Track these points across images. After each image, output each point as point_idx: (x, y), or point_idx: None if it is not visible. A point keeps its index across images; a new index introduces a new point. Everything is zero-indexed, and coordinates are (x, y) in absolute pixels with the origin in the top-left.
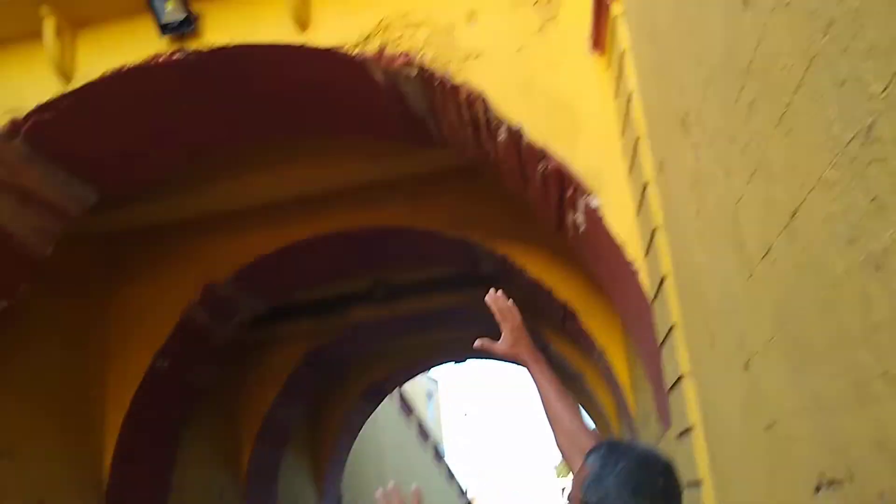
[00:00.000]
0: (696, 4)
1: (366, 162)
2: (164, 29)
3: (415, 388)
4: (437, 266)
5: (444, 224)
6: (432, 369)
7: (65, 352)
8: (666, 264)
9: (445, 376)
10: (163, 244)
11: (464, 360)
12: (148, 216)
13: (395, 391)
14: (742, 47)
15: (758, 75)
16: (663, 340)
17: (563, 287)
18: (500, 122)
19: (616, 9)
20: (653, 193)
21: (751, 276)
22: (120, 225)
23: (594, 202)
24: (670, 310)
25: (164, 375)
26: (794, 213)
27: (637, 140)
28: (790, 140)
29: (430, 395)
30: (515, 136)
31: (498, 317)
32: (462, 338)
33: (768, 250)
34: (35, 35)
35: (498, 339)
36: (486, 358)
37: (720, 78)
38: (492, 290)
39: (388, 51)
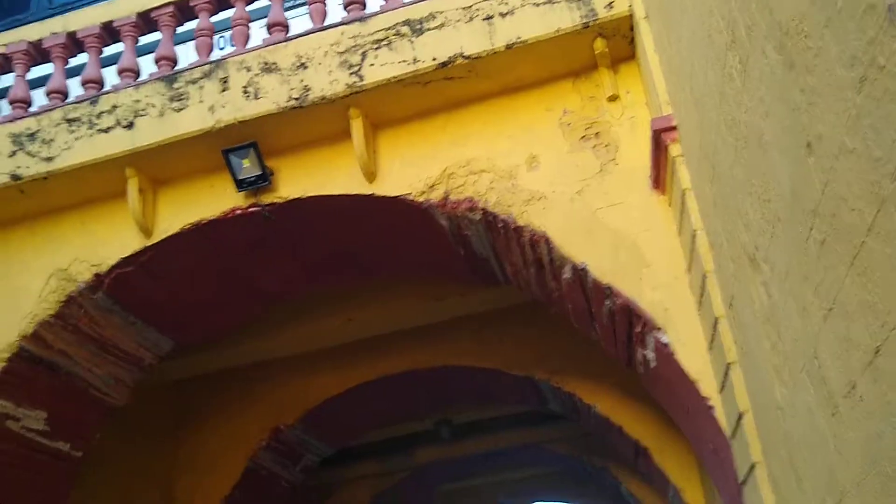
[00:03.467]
0: (758, 147)
1: (430, 302)
2: (241, 185)
3: None
4: (503, 404)
5: (510, 362)
6: None
7: (132, 501)
8: (743, 400)
9: None
10: (230, 389)
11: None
12: (215, 362)
13: None
14: (808, 189)
15: (826, 217)
16: (745, 479)
17: (635, 424)
18: (564, 262)
19: (674, 150)
20: (724, 329)
21: (835, 412)
22: (187, 371)
23: (664, 338)
24: (750, 447)
25: None
26: (877, 352)
27: (705, 276)
28: (865, 280)
29: None
30: (580, 275)
31: None
32: (530, 477)
33: (853, 387)
34: (119, 194)
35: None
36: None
37: (787, 217)
38: None
39: (452, 197)
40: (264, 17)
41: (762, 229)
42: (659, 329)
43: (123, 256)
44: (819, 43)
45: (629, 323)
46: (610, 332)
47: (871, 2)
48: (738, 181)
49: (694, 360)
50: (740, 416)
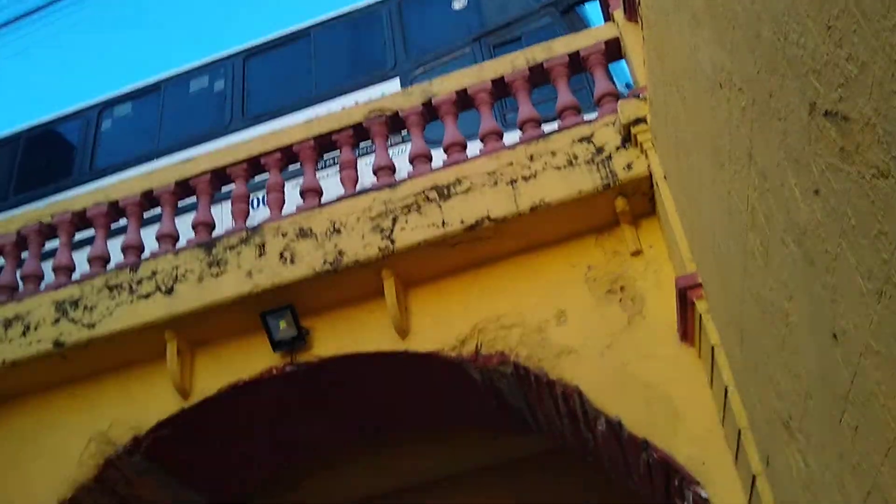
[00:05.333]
0: (784, 325)
1: (463, 449)
2: (278, 346)
3: None
4: None
5: None
6: None
7: None
8: None
9: None
10: None
11: None
12: None
13: None
14: (837, 376)
15: (858, 405)
16: None
17: None
18: (597, 415)
19: (701, 306)
20: (764, 487)
21: None
22: None
23: (703, 493)
24: None
25: None
26: None
27: (740, 432)
28: None
29: None
30: (615, 428)
31: None
32: None
33: None
34: (158, 356)
35: None
36: None
37: (819, 395)
38: None
39: (484, 351)
40: (298, 175)
41: (794, 401)
42: (697, 483)
43: (161, 419)
44: (837, 249)
45: (667, 476)
46: (648, 483)
47: (882, 228)
48: (766, 350)
49: None
50: None
